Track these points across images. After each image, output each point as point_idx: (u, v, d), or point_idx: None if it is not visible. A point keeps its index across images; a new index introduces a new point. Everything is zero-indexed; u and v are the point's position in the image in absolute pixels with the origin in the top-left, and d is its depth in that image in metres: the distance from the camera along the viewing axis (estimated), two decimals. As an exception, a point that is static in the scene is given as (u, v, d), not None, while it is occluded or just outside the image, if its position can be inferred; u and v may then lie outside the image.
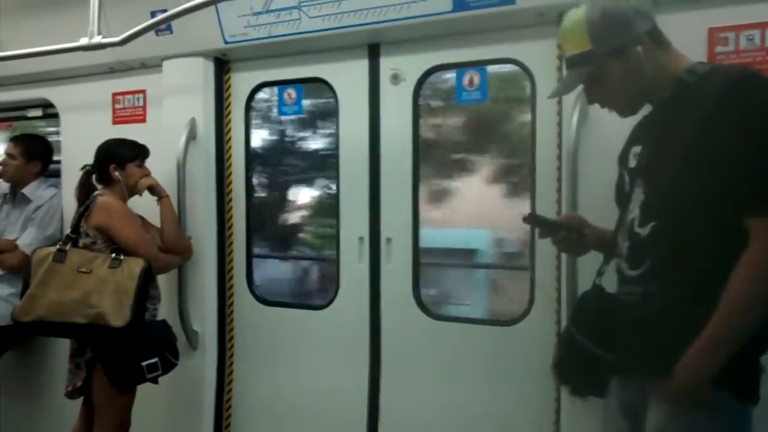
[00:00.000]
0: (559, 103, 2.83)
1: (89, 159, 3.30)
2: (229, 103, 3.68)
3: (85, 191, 3.26)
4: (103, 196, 3.16)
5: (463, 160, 4.67)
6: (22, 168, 3.93)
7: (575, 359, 2.03)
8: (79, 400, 3.24)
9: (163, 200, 3.32)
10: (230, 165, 3.70)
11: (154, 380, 3.14)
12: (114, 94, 3.91)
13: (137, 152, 3.31)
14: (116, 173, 3.22)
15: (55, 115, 4.18)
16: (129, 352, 3.04)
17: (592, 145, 2.58)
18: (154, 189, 3.32)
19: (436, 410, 3.21)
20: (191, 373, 3.54)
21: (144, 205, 3.38)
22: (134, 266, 3.01)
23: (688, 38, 2.51)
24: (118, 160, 3.23)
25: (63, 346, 3.33)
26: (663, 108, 1.94)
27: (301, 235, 5.32)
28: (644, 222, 1.89)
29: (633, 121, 2.11)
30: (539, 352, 2.93)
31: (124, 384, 3.10)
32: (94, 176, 3.29)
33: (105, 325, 2.92)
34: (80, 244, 3.10)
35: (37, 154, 3.99)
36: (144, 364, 3.05)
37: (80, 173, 3.31)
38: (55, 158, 4.14)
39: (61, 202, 3.98)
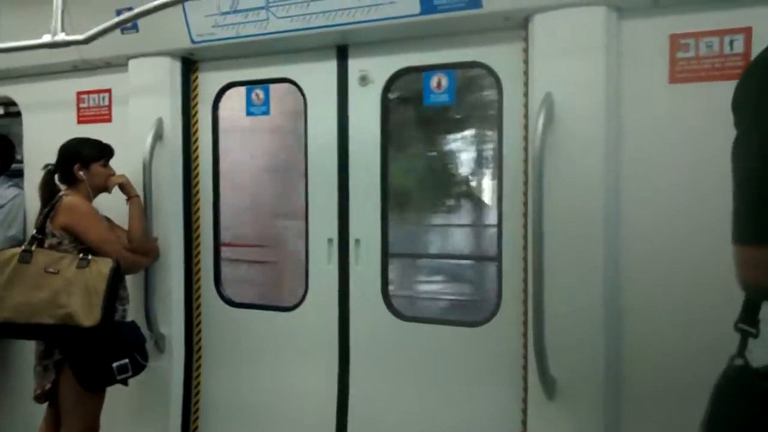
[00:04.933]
0: (525, 106, 2.86)
1: (53, 159, 3.25)
2: (196, 103, 3.66)
3: (48, 191, 3.21)
4: (69, 196, 3.12)
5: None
6: None
7: None
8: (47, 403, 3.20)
9: (133, 199, 3.29)
10: (197, 165, 3.67)
11: (124, 382, 3.12)
12: (78, 93, 3.86)
13: (102, 152, 3.27)
14: (81, 173, 3.18)
15: (18, 114, 4.10)
16: (99, 353, 3.02)
17: (558, 148, 2.62)
18: (124, 187, 3.29)
19: (404, 411, 3.23)
20: (158, 375, 3.52)
21: (110, 209, 3.34)
22: (103, 266, 2.99)
23: (650, 43, 2.58)
24: (82, 159, 3.20)
25: (29, 349, 3.27)
26: None
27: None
28: None
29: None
30: (507, 352, 2.98)
31: (93, 385, 3.07)
32: (56, 176, 3.25)
33: (75, 326, 2.89)
34: (46, 245, 3.07)
35: None
36: (114, 365, 3.04)
37: (42, 173, 3.26)
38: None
39: (24, 202, 3.92)
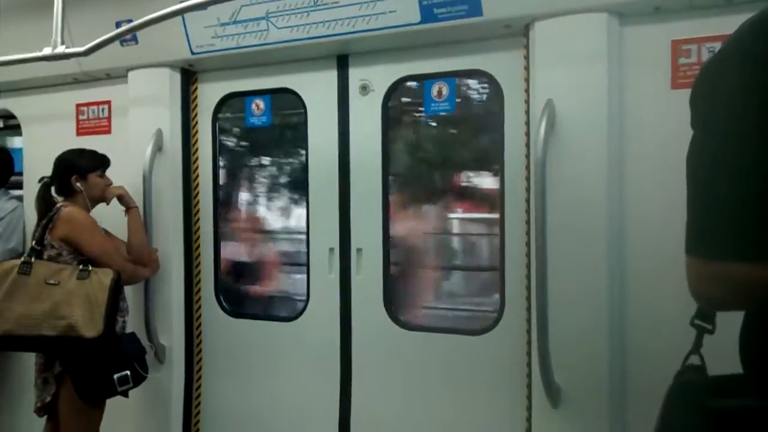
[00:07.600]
0: (527, 113, 2.86)
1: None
2: (196, 114, 3.66)
3: (45, 204, 3.19)
4: (67, 208, 3.10)
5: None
6: None
7: None
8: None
9: (132, 210, 3.28)
10: (197, 176, 3.66)
11: (125, 393, 3.09)
12: (78, 105, 3.86)
13: (98, 162, 3.26)
14: (78, 184, 3.17)
15: (17, 127, 4.09)
16: (100, 364, 2.99)
17: (560, 155, 2.62)
18: (122, 198, 3.28)
19: (407, 421, 3.21)
20: (159, 387, 3.50)
21: (107, 219, 3.32)
22: (104, 277, 2.97)
23: (652, 49, 2.58)
24: (79, 170, 3.19)
25: (30, 362, 3.25)
26: None
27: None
28: None
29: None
30: (511, 360, 2.96)
31: (94, 397, 3.05)
32: (53, 188, 3.23)
33: (76, 337, 2.88)
34: (45, 257, 3.04)
35: None
36: (115, 376, 3.02)
37: (39, 186, 3.24)
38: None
39: (23, 215, 3.90)
